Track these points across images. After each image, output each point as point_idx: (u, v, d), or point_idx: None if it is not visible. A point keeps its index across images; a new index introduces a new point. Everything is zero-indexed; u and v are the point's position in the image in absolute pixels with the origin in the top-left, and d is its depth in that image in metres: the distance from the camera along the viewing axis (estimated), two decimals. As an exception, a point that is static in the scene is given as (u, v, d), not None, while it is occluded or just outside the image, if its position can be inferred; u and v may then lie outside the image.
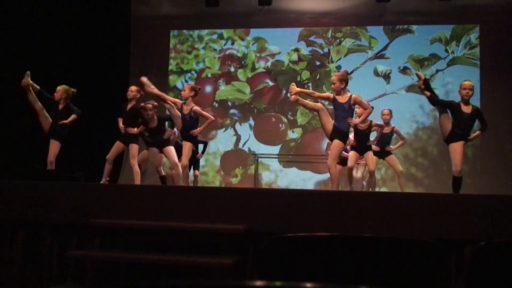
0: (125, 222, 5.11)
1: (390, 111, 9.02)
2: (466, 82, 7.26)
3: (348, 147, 8.53)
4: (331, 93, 7.36)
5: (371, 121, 8.45)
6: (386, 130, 8.86)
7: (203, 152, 9.81)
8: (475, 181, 11.10)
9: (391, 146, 8.97)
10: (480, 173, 11.27)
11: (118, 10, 12.42)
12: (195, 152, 9.47)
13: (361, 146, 8.38)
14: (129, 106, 8.33)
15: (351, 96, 7.17)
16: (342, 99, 7.16)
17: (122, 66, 12.48)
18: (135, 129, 8.20)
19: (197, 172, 9.76)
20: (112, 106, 11.79)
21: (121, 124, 8.29)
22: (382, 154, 8.88)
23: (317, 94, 7.68)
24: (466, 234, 4.67)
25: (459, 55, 11.71)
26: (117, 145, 8.31)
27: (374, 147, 8.70)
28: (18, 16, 10.95)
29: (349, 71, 11.98)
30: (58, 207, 5.45)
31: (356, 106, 7.41)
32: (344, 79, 7.24)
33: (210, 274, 4.90)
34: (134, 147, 8.20)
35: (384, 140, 8.88)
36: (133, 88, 8.37)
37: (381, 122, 8.87)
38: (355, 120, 7.43)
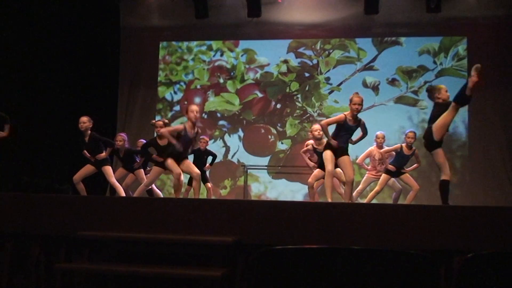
0: (114, 234, 5.08)
1: (415, 134, 8.91)
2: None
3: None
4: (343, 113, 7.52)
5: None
6: (407, 152, 8.79)
7: (211, 164, 9.86)
8: (464, 192, 11.14)
9: (405, 168, 8.94)
10: (469, 184, 11.32)
11: (107, 21, 12.42)
12: (203, 164, 9.62)
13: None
14: (86, 137, 8.50)
15: (360, 120, 7.40)
16: (353, 122, 7.32)
17: (111, 77, 12.47)
18: (104, 153, 8.51)
19: (208, 184, 9.80)
20: (101, 117, 11.79)
21: (88, 154, 8.56)
22: (397, 173, 8.88)
23: (328, 121, 7.67)
24: (455, 245, 4.68)
25: (447, 67, 11.78)
26: (87, 168, 8.59)
27: (390, 167, 8.76)
28: (7, 25, 10.92)
29: (338, 83, 12.10)
30: (46, 219, 5.42)
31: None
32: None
33: (199, 286, 4.88)
34: (107, 169, 8.57)
35: (402, 161, 8.86)
36: (84, 119, 8.49)
37: None
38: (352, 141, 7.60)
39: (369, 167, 9.35)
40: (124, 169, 9.36)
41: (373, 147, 9.27)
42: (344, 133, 7.30)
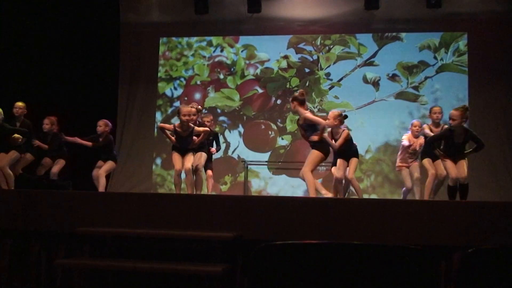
0: (113, 230, 5.08)
1: (441, 108, 8.59)
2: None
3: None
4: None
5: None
6: (436, 131, 8.30)
7: (217, 149, 9.41)
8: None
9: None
10: (469, 181, 11.28)
11: (107, 17, 12.40)
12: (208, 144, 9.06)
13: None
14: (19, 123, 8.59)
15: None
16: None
17: (111, 73, 12.45)
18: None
19: (209, 172, 9.25)
20: (102, 114, 11.78)
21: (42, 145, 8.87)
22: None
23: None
24: (455, 240, 4.68)
25: (447, 62, 11.76)
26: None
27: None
28: (7, 21, 10.91)
29: (338, 78, 12.08)
30: (46, 215, 5.42)
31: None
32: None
33: (200, 282, 4.88)
34: (28, 156, 8.67)
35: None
36: (19, 104, 8.61)
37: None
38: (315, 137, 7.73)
39: (399, 160, 8.80)
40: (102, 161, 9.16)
41: (409, 135, 8.68)
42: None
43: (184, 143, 7.98)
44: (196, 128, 8.06)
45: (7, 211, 5.51)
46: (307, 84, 12.19)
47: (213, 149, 9.26)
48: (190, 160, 7.98)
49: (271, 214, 5.02)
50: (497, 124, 11.37)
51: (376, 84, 11.97)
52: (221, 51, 12.65)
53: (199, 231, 4.97)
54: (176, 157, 8.00)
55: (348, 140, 8.00)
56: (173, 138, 7.98)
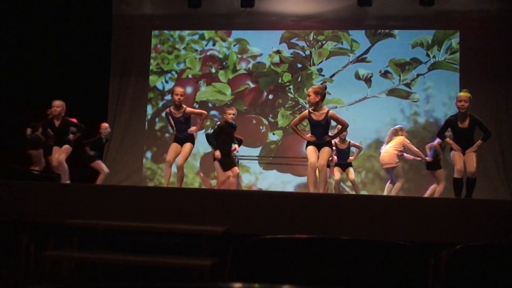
0: (103, 222, 5.06)
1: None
2: (462, 94, 7.39)
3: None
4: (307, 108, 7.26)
5: (349, 142, 9.16)
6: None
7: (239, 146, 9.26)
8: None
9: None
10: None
11: (99, 9, 12.35)
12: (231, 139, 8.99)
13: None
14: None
15: (327, 112, 7.01)
16: (318, 115, 7.03)
17: (103, 66, 12.42)
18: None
19: (236, 169, 9.14)
20: (92, 107, 11.74)
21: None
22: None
23: (295, 121, 7.37)
24: (443, 237, 4.69)
25: (440, 60, 11.79)
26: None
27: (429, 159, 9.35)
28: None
29: (330, 74, 12.08)
30: (35, 207, 5.39)
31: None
32: (321, 93, 6.99)
33: (189, 275, 4.87)
34: None
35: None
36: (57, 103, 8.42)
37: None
38: (329, 136, 7.24)
39: None
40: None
41: None
42: (317, 129, 7.07)
43: (180, 129, 7.84)
44: (188, 108, 7.90)
45: (-4, 202, 5.48)
46: (299, 79, 12.20)
47: (236, 146, 9.14)
48: (183, 155, 7.81)
49: (261, 209, 5.02)
50: (488, 122, 11.36)
51: (368, 80, 11.99)
52: (213, 45, 12.63)
53: (189, 225, 4.96)
54: (172, 147, 7.81)
55: None
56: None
